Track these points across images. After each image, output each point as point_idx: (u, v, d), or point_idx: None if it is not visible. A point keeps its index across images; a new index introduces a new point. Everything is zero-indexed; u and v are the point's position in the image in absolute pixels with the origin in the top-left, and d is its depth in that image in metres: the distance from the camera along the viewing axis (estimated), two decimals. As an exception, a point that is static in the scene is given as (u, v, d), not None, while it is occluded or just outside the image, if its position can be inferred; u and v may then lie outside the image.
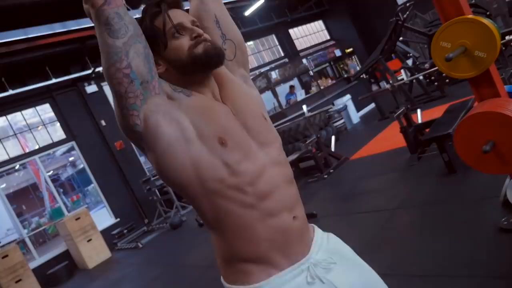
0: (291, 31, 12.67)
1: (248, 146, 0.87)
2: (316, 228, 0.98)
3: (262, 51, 12.14)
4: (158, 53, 0.91)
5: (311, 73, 11.45)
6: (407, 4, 7.01)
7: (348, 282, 0.88)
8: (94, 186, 7.78)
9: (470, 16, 1.67)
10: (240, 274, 0.86)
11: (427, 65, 6.34)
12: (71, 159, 13.59)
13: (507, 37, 3.55)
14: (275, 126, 7.09)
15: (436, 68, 4.14)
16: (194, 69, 0.90)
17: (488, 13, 5.93)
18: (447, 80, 6.02)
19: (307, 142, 4.97)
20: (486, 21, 1.61)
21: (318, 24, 13.66)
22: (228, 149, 0.83)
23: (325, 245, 0.93)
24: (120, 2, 0.82)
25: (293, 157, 5.21)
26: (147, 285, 4.16)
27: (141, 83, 0.82)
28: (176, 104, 0.86)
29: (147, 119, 0.83)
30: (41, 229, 10.30)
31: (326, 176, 4.77)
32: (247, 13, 9.33)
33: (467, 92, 2.74)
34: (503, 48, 5.03)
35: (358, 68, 11.22)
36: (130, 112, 0.82)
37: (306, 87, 11.29)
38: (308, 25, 13.30)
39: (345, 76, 11.49)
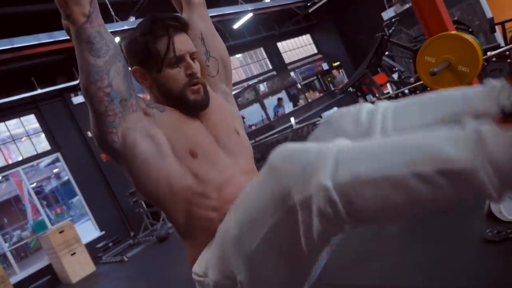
0: (279, 44, 12.81)
1: (217, 157, 0.94)
2: None
3: (250, 63, 12.23)
4: (149, 70, 0.94)
5: (299, 86, 11.57)
6: (393, 20, 7.16)
7: None
8: (79, 198, 7.64)
9: (454, 32, 1.73)
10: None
11: (412, 79, 6.46)
12: (55, 170, 13.35)
13: (488, 53, 3.66)
14: (264, 138, 7.13)
15: (421, 82, 4.23)
16: (179, 105, 0.95)
17: (470, 29, 6.10)
18: (431, 94, 6.14)
19: (295, 154, 4.98)
20: (469, 37, 1.66)
21: (306, 38, 13.86)
22: (198, 160, 0.90)
23: None
24: (101, 21, 0.84)
25: (281, 169, 5.21)
26: (132, 299, 4.07)
27: (120, 101, 0.84)
28: (152, 120, 0.90)
29: (125, 137, 0.86)
30: (23, 242, 10.03)
31: (314, 188, 4.79)
32: (236, 26, 9.42)
33: (451, 105, 2.80)
34: (485, 63, 5.16)
35: (345, 81, 11.35)
36: (109, 130, 0.85)
37: (294, 99, 11.38)
38: (296, 38, 13.48)
39: (333, 89, 11.57)
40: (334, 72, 11.43)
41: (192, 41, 1.01)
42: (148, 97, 1.02)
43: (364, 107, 0.87)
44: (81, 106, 7.56)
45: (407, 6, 9.98)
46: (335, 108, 7.87)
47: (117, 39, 6.06)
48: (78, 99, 7.57)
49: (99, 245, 6.71)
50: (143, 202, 6.83)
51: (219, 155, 0.95)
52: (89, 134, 7.42)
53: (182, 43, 0.93)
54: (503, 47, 4.84)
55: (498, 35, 8.11)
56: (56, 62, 6.96)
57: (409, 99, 0.87)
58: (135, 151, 0.87)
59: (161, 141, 0.89)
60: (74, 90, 7.55)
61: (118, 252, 6.59)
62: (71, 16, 0.80)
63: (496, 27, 6.78)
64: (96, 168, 7.42)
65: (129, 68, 0.93)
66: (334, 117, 0.91)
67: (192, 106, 0.95)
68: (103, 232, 7.18)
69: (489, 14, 8.88)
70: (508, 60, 5.02)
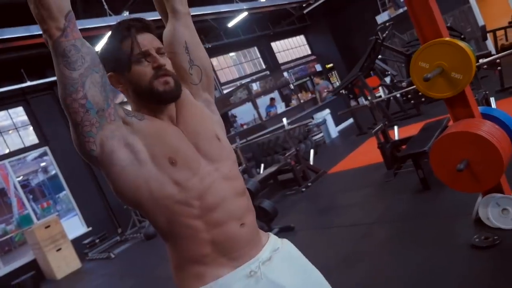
0: (273, 44, 12.82)
1: (197, 164, 0.95)
2: (271, 235, 1.06)
3: (244, 62, 12.21)
4: (121, 73, 0.97)
5: (291, 86, 11.57)
6: (387, 24, 7.22)
7: (288, 278, 0.95)
8: (66, 193, 7.54)
9: (448, 38, 1.73)
10: (191, 278, 0.92)
11: (404, 84, 6.52)
12: (42, 164, 13.16)
13: (480, 60, 3.70)
14: (255, 138, 7.11)
15: (413, 86, 4.26)
16: (150, 99, 0.97)
17: (462, 36, 6.17)
18: (422, 99, 6.20)
19: (286, 155, 4.98)
20: (462, 44, 1.67)
21: (300, 39, 13.89)
22: (178, 168, 0.91)
23: (273, 246, 1.01)
24: (77, 34, 0.87)
25: (272, 169, 5.21)
26: (118, 297, 4.03)
27: (97, 112, 0.87)
28: (130, 129, 0.92)
29: (103, 145, 0.88)
30: (7, 236, 9.88)
31: (304, 189, 4.79)
32: (230, 24, 9.39)
33: (441, 111, 2.83)
34: (477, 70, 5.21)
35: (330, 87, 11.10)
36: (86, 139, 0.87)
37: (286, 100, 11.39)
38: (290, 39, 13.51)
39: (314, 96, 10.63)
40: (316, 79, 11.03)
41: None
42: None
43: None
44: (71, 100, 7.47)
45: (401, 10, 10.06)
46: (327, 110, 7.90)
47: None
48: (68, 92, 7.47)
49: (86, 241, 6.64)
50: (131, 199, 6.77)
51: (200, 162, 0.95)
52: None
53: (146, 39, 0.96)
54: (494, 54, 4.90)
55: (489, 42, 8.23)
56: (46, 54, 6.75)
57: None
58: (113, 159, 0.89)
59: (139, 149, 0.90)
60: (65, 83, 7.44)
61: (105, 248, 6.52)
62: (47, 30, 0.83)
63: (488, 34, 6.88)
64: (84, 163, 7.32)
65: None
66: None
67: (163, 97, 0.96)
68: (90, 228, 7.10)
69: (481, 22, 8.99)
70: (499, 68, 5.09)
